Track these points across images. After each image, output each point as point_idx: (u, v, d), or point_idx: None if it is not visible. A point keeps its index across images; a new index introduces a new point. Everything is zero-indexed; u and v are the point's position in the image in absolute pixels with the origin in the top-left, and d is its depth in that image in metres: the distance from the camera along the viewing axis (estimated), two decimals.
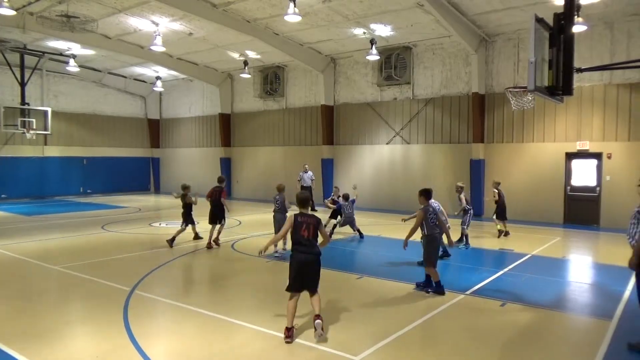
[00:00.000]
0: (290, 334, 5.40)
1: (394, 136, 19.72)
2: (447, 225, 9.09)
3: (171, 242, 11.21)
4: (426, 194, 7.70)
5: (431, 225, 7.57)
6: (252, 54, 21.32)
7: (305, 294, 5.68)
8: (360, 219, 14.47)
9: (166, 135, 29.46)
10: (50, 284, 8.19)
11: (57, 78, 24.84)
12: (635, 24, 14.34)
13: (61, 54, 22.25)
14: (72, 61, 21.57)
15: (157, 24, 17.35)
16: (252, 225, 14.69)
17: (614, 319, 6.38)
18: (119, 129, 27.71)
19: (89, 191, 26.05)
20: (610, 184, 14.96)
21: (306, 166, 19.70)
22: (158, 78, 26.04)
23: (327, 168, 21.24)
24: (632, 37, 14.42)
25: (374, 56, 17.98)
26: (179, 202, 11.97)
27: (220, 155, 25.76)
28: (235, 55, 21.61)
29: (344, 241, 12.44)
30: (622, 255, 6.54)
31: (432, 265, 7.53)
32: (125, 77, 26.91)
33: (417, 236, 7.83)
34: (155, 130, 29.55)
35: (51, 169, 24.70)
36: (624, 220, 5.82)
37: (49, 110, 23.14)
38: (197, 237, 11.98)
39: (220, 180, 11.86)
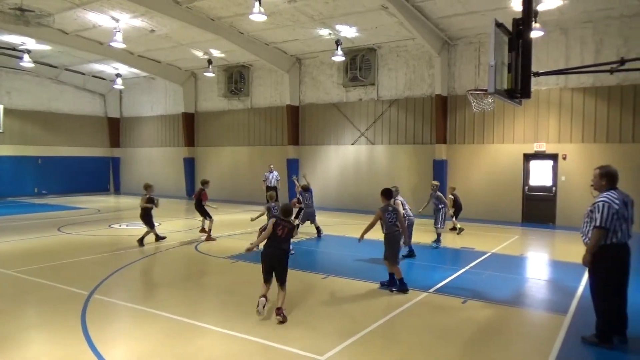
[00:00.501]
0: (264, 299, 6.09)
1: (359, 137, 19.88)
2: (407, 223, 9.27)
3: (141, 241, 11.42)
4: (386, 193, 7.90)
5: (389, 225, 7.72)
6: (216, 53, 21.04)
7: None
8: (325, 218, 14.52)
9: (127, 134, 28.65)
10: (3, 289, 7.79)
11: (10, 74, 23.75)
12: (588, 31, 14.99)
13: (14, 49, 21.24)
14: (26, 56, 20.68)
15: (117, 20, 16.86)
16: (216, 227, 14.45)
17: (569, 314, 6.63)
18: (76, 127, 26.74)
19: (44, 192, 25.03)
20: (566, 184, 15.57)
21: (271, 166, 19.58)
22: (118, 75, 25.27)
23: (293, 168, 21.18)
24: (585, 44, 15.07)
25: (339, 57, 18.07)
26: (139, 203, 11.75)
27: (183, 155, 25.28)
28: (199, 54, 21.26)
29: (309, 241, 12.44)
30: (576, 252, 6.80)
31: (395, 263, 7.67)
32: (83, 74, 25.98)
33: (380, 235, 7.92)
34: (116, 129, 28.71)
35: (3, 168, 23.59)
36: (578, 218, 6.05)
37: (1, 107, 22.15)
38: (158, 238, 11.85)
39: (202, 182, 12.71)
